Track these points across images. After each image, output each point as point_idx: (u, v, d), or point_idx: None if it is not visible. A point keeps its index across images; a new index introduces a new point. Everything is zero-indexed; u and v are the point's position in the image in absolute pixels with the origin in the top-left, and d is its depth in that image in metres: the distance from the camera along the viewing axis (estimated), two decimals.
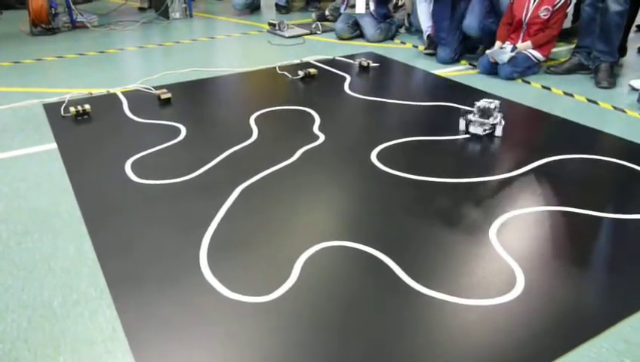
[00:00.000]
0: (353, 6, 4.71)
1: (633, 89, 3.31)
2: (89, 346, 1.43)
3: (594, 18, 3.54)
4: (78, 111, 2.91)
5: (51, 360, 1.38)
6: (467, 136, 2.71)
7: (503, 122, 2.69)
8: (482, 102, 2.71)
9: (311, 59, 4.05)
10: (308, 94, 3.37)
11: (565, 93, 3.34)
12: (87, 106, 2.94)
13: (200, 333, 1.46)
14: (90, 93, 3.33)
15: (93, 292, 1.62)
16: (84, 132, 2.78)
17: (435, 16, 4.14)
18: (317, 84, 3.54)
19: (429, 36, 4.32)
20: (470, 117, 2.71)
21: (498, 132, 2.69)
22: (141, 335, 1.45)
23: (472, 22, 3.88)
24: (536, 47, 3.61)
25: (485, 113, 2.69)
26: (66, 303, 1.58)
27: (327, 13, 5.43)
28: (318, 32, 4.99)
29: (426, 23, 4.37)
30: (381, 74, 3.78)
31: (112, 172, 2.34)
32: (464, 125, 2.74)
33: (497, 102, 2.72)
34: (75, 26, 5.20)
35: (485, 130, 2.68)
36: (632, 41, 4.40)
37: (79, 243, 1.86)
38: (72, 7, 5.16)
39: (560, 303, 1.57)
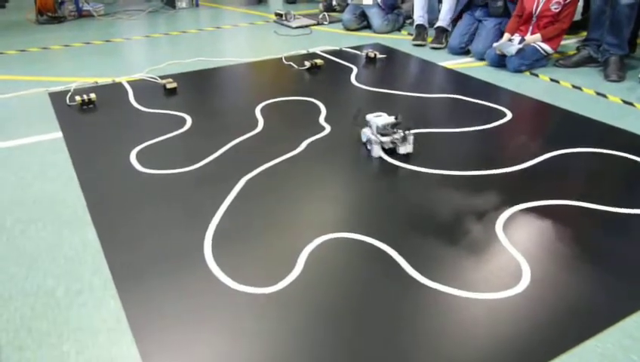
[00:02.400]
0: None
1: None
2: (93, 335, 1.42)
3: (604, 10, 3.50)
4: (83, 100, 2.91)
5: (55, 348, 1.38)
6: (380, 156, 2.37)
7: (410, 138, 2.35)
8: (380, 119, 2.35)
9: (317, 49, 4.03)
10: (314, 85, 3.35)
11: (574, 87, 3.31)
12: (92, 95, 2.94)
13: (204, 324, 1.46)
14: (96, 82, 3.32)
15: (97, 282, 1.62)
16: (90, 121, 2.77)
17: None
18: (323, 75, 3.52)
19: (417, 26, 4.29)
20: (370, 136, 2.36)
21: (403, 150, 2.36)
22: (145, 326, 1.45)
23: (478, 47, 3.84)
24: (545, 40, 3.57)
25: (385, 131, 2.34)
26: (70, 292, 1.58)
27: (334, 3, 5.39)
28: (325, 22, 4.95)
29: (417, 12, 4.33)
30: (388, 65, 3.75)
31: (117, 161, 2.34)
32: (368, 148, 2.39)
33: (392, 118, 2.36)
34: (81, 14, 5.20)
35: (387, 148, 2.37)
36: None
37: (83, 232, 1.86)
38: None
39: (566, 298, 1.55)
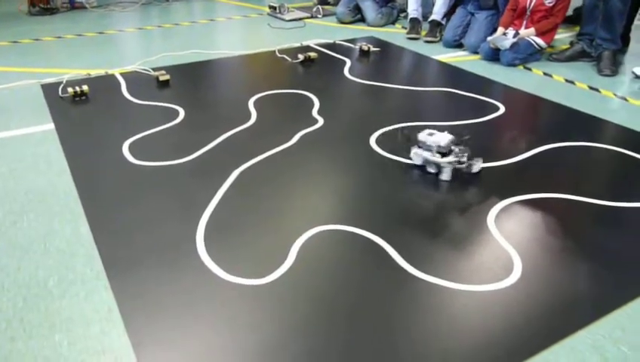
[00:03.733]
0: None
1: (636, 77, 3.29)
2: (85, 326, 1.42)
3: (596, 5, 3.50)
4: (75, 92, 2.89)
5: (46, 339, 1.38)
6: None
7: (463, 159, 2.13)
8: (442, 138, 2.13)
9: (311, 42, 4.02)
10: (307, 78, 3.34)
11: (567, 81, 3.32)
12: (85, 87, 2.92)
13: (196, 315, 1.46)
14: (89, 74, 3.30)
15: (89, 273, 1.62)
16: (82, 113, 2.76)
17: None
18: (317, 67, 3.51)
19: (412, 19, 4.30)
20: (433, 157, 2.13)
21: (476, 168, 2.16)
22: (137, 317, 1.45)
23: (471, 40, 3.85)
24: (539, 34, 3.58)
25: (442, 150, 2.13)
26: (62, 283, 1.58)
27: None
28: (319, 15, 4.94)
29: (412, 6, 4.34)
30: (382, 58, 3.75)
31: (110, 153, 2.33)
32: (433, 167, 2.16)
33: (446, 134, 2.15)
34: (73, 6, 5.16)
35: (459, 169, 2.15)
36: (635, 29, 4.36)
37: (76, 223, 1.85)
38: None
39: (557, 290, 1.56)
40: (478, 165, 2.18)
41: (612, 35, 3.42)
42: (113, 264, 1.65)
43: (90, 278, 1.60)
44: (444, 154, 2.12)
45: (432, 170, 2.17)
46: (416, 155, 2.19)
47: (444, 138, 2.13)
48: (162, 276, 1.60)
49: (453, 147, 2.14)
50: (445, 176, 2.12)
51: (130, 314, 1.46)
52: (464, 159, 2.13)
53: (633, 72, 3.35)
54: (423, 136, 2.16)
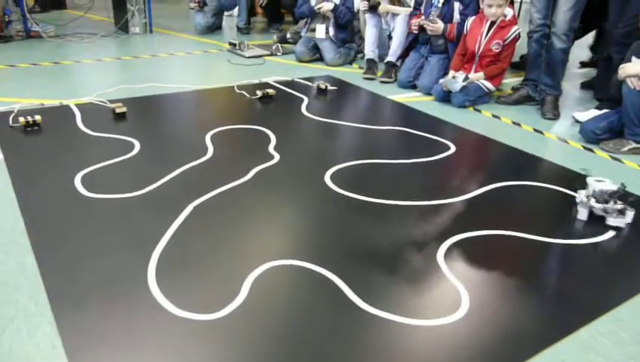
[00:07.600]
0: (313, 30, 4.81)
1: (576, 121, 3.49)
2: None
3: (540, 53, 3.73)
4: (27, 122, 2.84)
5: None
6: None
7: (628, 214, 2.19)
8: (599, 185, 2.24)
9: (270, 79, 4.09)
10: (265, 114, 3.39)
11: (514, 123, 3.48)
12: (37, 117, 2.87)
13: (146, 351, 1.43)
14: (42, 104, 3.25)
15: (33, 308, 1.57)
16: (34, 143, 2.70)
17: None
18: (275, 104, 3.57)
19: (368, 60, 4.45)
20: (583, 198, 2.24)
21: (613, 222, 2.19)
22: (83, 354, 1.41)
23: (424, 82, 4.03)
24: (488, 78, 3.77)
25: (599, 198, 2.22)
26: (3, 318, 1.52)
27: (288, 35, 5.51)
28: (278, 53, 5.04)
29: (368, 47, 4.50)
30: (338, 97, 3.85)
31: (61, 185, 2.28)
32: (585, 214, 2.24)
33: (614, 186, 2.24)
34: (29, 35, 5.10)
35: (597, 214, 2.23)
36: (576, 77, 4.65)
37: (21, 257, 1.80)
38: (28, 15, 5.05)
39: (502, 324, 1.61)
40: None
41: (554, 82, 3.64)
42: (59, 298, 1.60)
43: (33, 313, 1.55)
44: (599, 201, 2.22)
45: (614, 216, 2.20)
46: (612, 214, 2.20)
47: (611, 184, 2.26)
48: (111, 311, 1.57)
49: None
50: (630, 218, 2.20)
51: (76, 351, 1.41)
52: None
53: (573, 117, 3.55)
54: (596, 185, 2.24)
